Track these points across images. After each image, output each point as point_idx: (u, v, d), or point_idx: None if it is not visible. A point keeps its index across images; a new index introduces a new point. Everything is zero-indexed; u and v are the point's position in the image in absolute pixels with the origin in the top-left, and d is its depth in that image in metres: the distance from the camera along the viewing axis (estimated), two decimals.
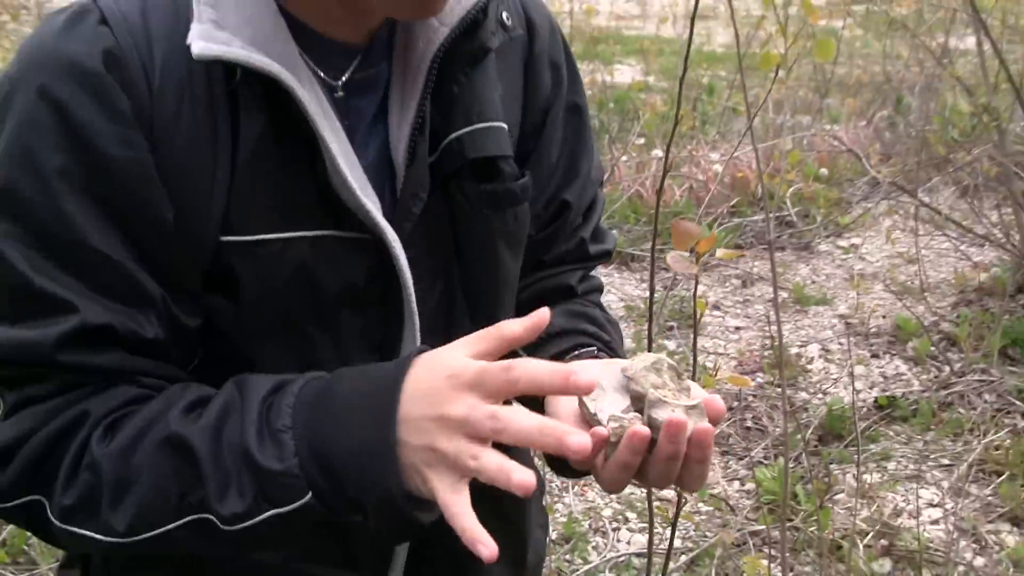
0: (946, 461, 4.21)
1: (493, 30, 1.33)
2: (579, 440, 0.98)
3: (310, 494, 1.07)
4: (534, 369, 1.02)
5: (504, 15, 1.37)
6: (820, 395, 4.76)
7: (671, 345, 5.22)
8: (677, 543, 3.66)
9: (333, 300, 1.25)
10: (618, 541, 3.81)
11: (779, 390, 4.68)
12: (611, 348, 1.45)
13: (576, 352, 1.41)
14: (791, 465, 3.97)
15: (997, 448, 4.18)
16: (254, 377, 1.17)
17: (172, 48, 1.16)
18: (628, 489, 2.93)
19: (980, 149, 6.03)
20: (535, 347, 1.41)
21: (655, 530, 2.84)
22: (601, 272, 1.68)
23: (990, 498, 3.96)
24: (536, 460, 1.27)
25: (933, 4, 6.61)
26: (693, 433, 1.09)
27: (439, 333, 1.32)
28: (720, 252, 1.81)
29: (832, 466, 4.11)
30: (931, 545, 3.59)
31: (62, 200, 1.12)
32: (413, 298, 1.29)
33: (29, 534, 1.21)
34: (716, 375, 2.33)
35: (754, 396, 4.72)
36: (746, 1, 9.71)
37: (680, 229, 1.68)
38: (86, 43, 1.14)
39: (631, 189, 6.99)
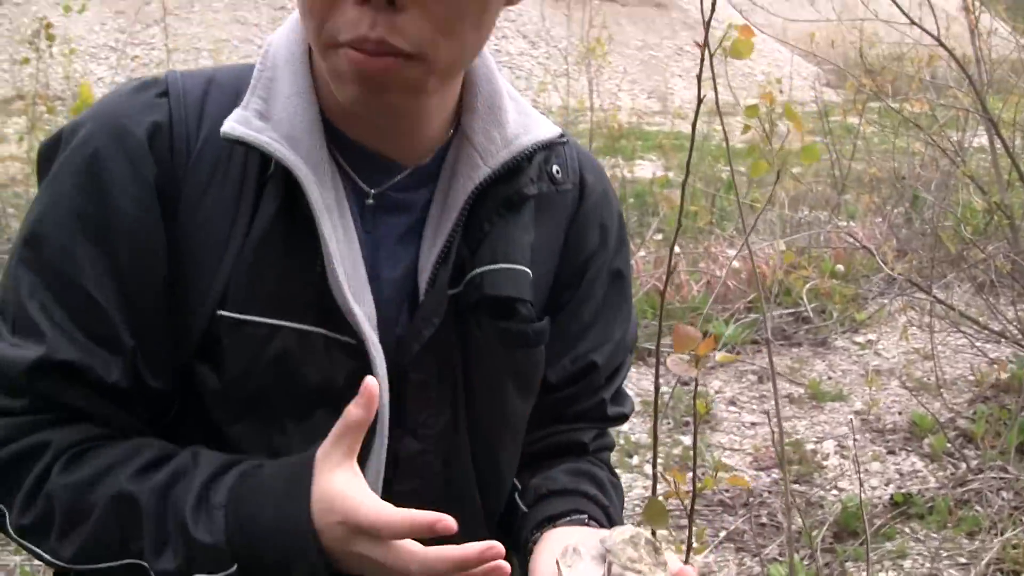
0: (963, 560, 4.17)
1: (534, 178, 1.40)
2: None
3: (235, 566, 1.15)
4: (393, 526, 1.12)
5: (555, 168, 1.44)
6: (835, 491, 4.74)
7: (687, 440, 5.22)
8: None
9: (311, 395, 1.30)
10: None
11: (795, 486, 4.68)
12: (607, 514, 1.47)
13: (568, 519, 1.42)
14: (806, 563, 3.96)
15: (1015, 547, 4.14)
16: (208, 452, 1.25)
17: (219, 128, 1.24)
18: None
19: (994, 246, 6.07)
20: (535, 504, 1.46)
21: None
22: None
23: None
24: None
25: (944, 104, 6.68)
26: None
27: (439, 457, 1.39)
28: (719, 356, 1.85)
29: (847, 564, 4.09)
30: None
31: (72, 239, 1.23)
32: (387, 411, 1.32)
33: None
34: (716, 475, 2.35)
35: (769, 492, 4.71)
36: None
37: (680, 333, 1.71)
38: (139, 110, 1.27)
39: (648, 284, 7.02)
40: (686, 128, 14.28)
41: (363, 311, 1.28)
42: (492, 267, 1.36)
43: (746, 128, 3.28)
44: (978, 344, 6.19)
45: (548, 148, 1.40)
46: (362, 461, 1.31)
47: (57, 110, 8.82)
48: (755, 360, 6.31)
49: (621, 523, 1.44)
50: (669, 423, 5.33)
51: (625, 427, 5.03)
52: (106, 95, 1.32)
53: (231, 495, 1.17)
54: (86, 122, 1.27)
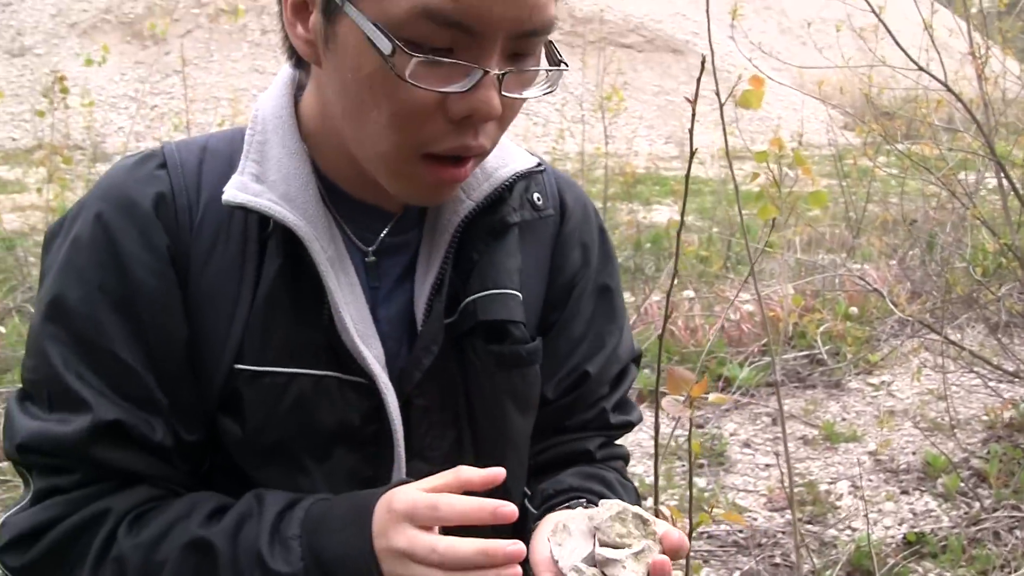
0: None
1: (516, 207, 1.47)
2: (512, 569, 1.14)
3: None
4: (459, 505, 1.17)
5: (536, 196, 1.53)
6: (849, 531, 4.77)
7: (701, 482, 5.25)
8: None
9: (329, 435, 1.37)
10: None
11: (808, 527, 4.71)
12: None
13: (566, 504, 1.47)
14: None
15: None
16: (272, 492, 1.31)
17: (217, 194, 1.32)
18: None
19: (1007, 287, 6.10)
20: (543, 504, 1.52)
21: None
22: None
23: None
24: None
25: (954, 148, 6.74)
26: (651, 568, 1.19)
27: None
28: (712, 397, 1.91)
29: None
30: None
31: (98, 311, 1.29)
32: (401, 442, 1.40)
33: None
34: (712, 511, 2.40)
35: (783, 532, 4.74)
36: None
37: (674, 375, 1.78)
38: (143, 184, 1.34)
39: (660, 327, 7.07)
40: (704, 173, 14.36)
41: (371, 352, 1.36)
42: (483, 293, 1.44)
43: (754, 176, 3.35)
44: (991, 384, 6.22)
45: (527, 177, 1.48)
46: (382, 486, 1.40)
47: (76, 159, 8.95)
48: (769, 402, 6.34)
49: None
50: (683, 465, 5.36)
51: (639, 469, 5.07)
52: (106, 173, 1.39)
53: (303, 527, 1.24)
54: (93, 201, 1.34)
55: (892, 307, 5.47)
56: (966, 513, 4.83)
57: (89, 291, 1.30)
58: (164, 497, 1.33)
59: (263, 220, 1.33)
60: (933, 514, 4.89)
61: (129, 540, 1.27)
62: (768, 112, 21.29)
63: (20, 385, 1.38)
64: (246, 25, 22.16)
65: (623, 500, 1.52)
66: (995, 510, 4.72)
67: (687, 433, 5.26)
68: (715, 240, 9.60)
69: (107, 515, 1.29)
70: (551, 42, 1.28)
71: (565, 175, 1.65)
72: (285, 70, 1.42)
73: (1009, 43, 6.59)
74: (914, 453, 5.57)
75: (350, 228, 1.40)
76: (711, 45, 2.48)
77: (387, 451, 1.40)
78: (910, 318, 5.94)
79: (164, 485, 1.34)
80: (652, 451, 1.62)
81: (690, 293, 7.65)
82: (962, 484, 4.98)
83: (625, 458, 1.71)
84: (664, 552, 1.21)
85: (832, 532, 4.77)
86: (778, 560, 4.54)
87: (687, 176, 1.80)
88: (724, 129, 2.44)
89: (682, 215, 1.74)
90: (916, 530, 4.66)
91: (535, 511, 1.51)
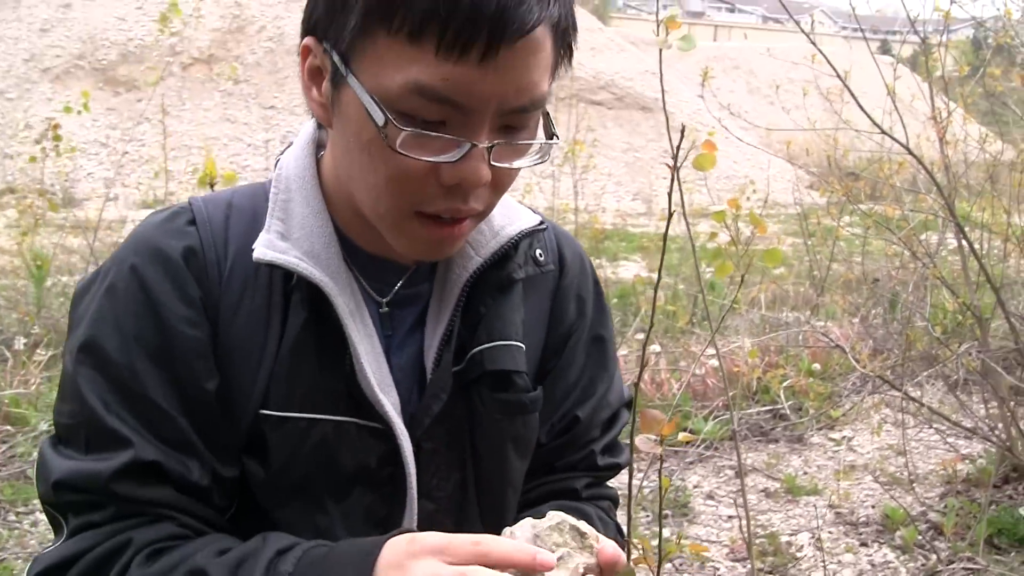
0: None
1: (521, 263, 1.58)
2: None
3: None
4: (504, 546, 1.20)
5: (538, 252, 1.63)
6: None
7: (665, 533, 5.33)
8: None
9: (348, 477, 1.46)
10: None
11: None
12: None
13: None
14: None
15: None
16: (276, 533, 1.37)
17: (244, 249, 1.42)
18: None
19: (966, 346, 6.23)
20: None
21: None
22: None
23: None
24: None
25: (915, 209, 6.89)
26: None
27: (450, 515, 1.56)
28: (681, 436, 2.01)
29: None
30: None
31: (135, 358, 1.37)
32: (415, 485, 1.49)
33: None
34: (679, 541, 2.49)
35: None
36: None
37: (646, 416, 1.88)
38: (174, 238, 1.42)
39: (629, 380, 7.15)
40: (671, 230, 14.50)
41: (388, 399, 1.45)
42: (490, 345, 1.53)
43: (713, 235, 3.47)
44: (949, 440, 6.33)
45: (531, 235, 1.58)
46: (395, 525, 1.49)
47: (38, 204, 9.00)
48: (732, 455, 6.43)
49: None
50: (648, 515, 5.44)
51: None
52: (137, 227, 1.47)
53: (297, 566, 1.29)
54: (126, 254, 1.42)
55: (854, 363, 5.58)
56: (923, 565, 4.92)
57: (126, 340, 1.37)
58: (186, 536, 1.39)
59: (287, 274, 1.41)
60: (891, 566, 4.98)
61: (140, 571, 1.32)
62: (736, 171, 21.55)
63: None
64: (219, 74, 22.28)
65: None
66: (951, 562, 4.81)
67: (652, 485, 5.37)
68: (680, 295, 9.72)
69: (128, 546, 1.34)
70: (547, 113, 1.37)
71: (564, 230, 1.75)
72: (307, 128, 1.52)
73: (970, 107, 6.75)
74: (873, 506, 5.67)
75: (365, 280, 1.49)
76: (665, 100, 2.60)
77: (401, 492, 1.49)
78: (871, 374, 6.05)
79: (192, 525, 1.40)
80: (625, 495, 1.71)
81: (656, 348, 7.75)
82: (920, 537, 5.07)
83: (613, 499, 1.79)
84: (600, 565, 1.27)
85: None
86: None
87: (665, 236, 1.91)
88: (679, 187, 2.56)
89: (659, 272, 1.84)
90: None
91: None
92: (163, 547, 1.35)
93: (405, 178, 1.30)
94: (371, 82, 1.27)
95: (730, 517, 5.61)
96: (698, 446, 6.34)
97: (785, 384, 7.02)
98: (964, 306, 5.74)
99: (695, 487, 5.94)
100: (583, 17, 24.94)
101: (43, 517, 4.88)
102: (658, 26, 2.73)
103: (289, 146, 1.55)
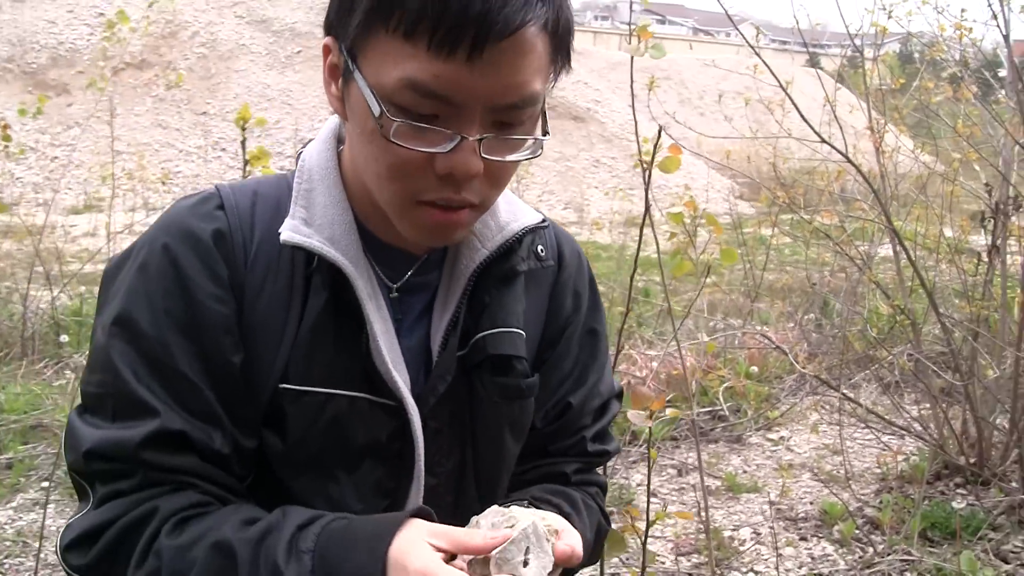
0: None
1: (524, 257, 1.69)
2: None
3: None
4: None
5: (540, 248, 1.74)
6: (752, 574, 5.02)
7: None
8: None
9: (360, 450, 1.56)
10: None
11: (715, 570, 4.95)
12: (571, 522, 1.64)
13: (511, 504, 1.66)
14: None
15: None
16: (296, 508, 1.45)
17: (268, 234, 1.53)
18: None
19: (899, 348, 6.44)
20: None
21: None
22: None
23: None
24: None
25: (852, 216, 7.09)
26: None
27: (450, 491, 1.66)
28: (669, 412, 2.16)
29: None
30: None
31: (166, 332, 1.46)
32: (422, 459, 1.60)
33: None
34: (665, 509, 2.65)
35: (690, 575, 4.98)
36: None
37: (636, 393, 2.03)
38: (204, 220, 1.51)
39: None
40: (602, 238, 14.67)
41: (401, 378, 1.56)
42: (492, 331, 1.64)
43: (672, 235, 3.62)
44: (884, 439, 6.57)
45: (534, 232, 1.69)
46: (403, 497, 1.60)
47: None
48: (674, 455, 6.60)
49: (586, 538, 1.64)
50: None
51: None
52: (169, 210, 1.56)
53: (317, 542, 1.37)
54: (158, 234, 1.51)
55: (795, 364, 5.76)
56: (861, 557, 5.10)
57: (157, 314, 1.46)
58: (210, 504, 1.47)
59: (308, 258, 1.52)
60: (830, 558, 5.16)
61: (169, 540, 1.40)
62: (666, 181, 21.77)
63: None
64: (150, 80, 22.18)
65: (582, 519, 1.72)
66: (888, 554, 5.00)
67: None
68: (617, 301, 9.87)
69: (155, 514, 1.42)
70: (544, 112, 1.48)
71: (564, 230, 1.86)
72: (330, 123, 1.63)
73: (903, 120, 6.98)
74: (811, 503, 5.86)
75: (379, 267, 1.60)
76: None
77: (409, 466, 1.59)
78: (811, 374, 6.24)
79: (214, 492, 1.49)
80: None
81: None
82: (857, 531, 5.27)
83: (601, 486, 1.89)
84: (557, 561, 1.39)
85: (736, 575, 5.02)
86: None
87: (639, 243, 2.05)
88: (646, 196, 2.68)
89: (632, 277, 1.98)
90: (816, 572, 4.93)
91: None
92: (189, 515, 1.43)
93: (402, 167, 1.40)
94: (372, 77, 1.38)
95: (674, 514, 5.77)
96: (640, 445, 6.49)
97: (724, 386, 7.20)
98: (899, 309, 5.95)
99: (638, 485, 6.08)
100: None
101: None
102: (630, 36, 2.89)
103: (311, 140, 1.66)
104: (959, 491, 5.81)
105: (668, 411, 2.18)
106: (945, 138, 7.17)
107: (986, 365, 5.99)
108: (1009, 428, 5.77)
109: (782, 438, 7.08)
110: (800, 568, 5.06)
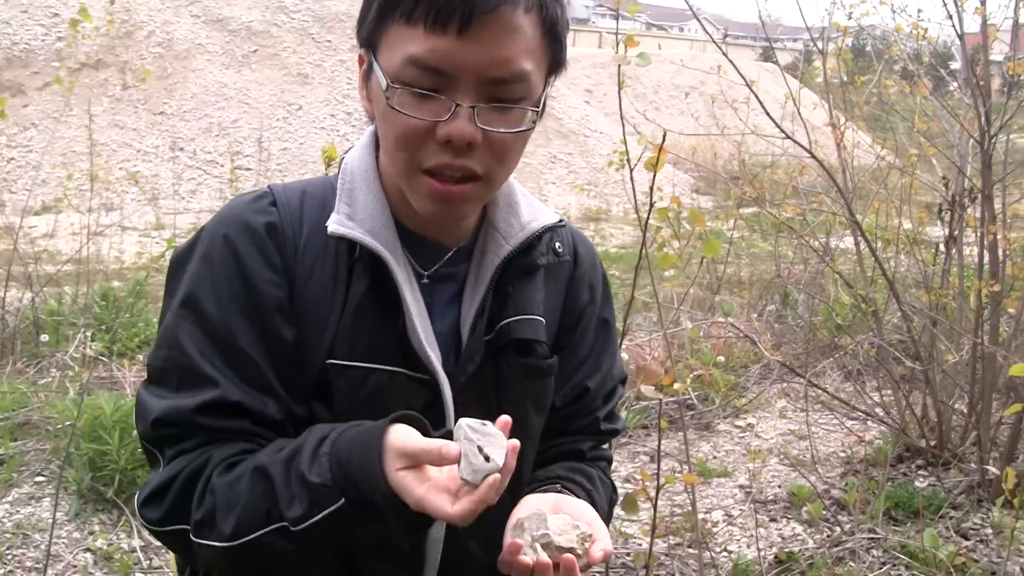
0: None
1: (543, 252, 1.88)
2: None
3: (343, 499, 1.50)
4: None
5: (557, 245, 1.94)
6: (725, 553, 5.22)
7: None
8: None
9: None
10: None
11: (689, 550, 5.15)
12: (591, 497, 1.86)
13: (544, 486, 1.85)
14: None
15: None
16: (320, 426, 1.63)
17: (315, 227, 1.74)
18: None
19: (862, 336, 6.65)
20: (534, 483, 1.89)
21: None
22: None
23: None
24: None
25: (815, 209, 7.28)
26: (562, 561, 1.56)
27: None
28: (677, 385, 2.33)
29: None
30: None
31: (229, 313, 1.66)
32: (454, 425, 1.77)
33: None
34: (676, 474, 2.83)
35: (666, 555, 5.16)
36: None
37: (647, 369, 2.22)
38: (259, 215, 1.72)
39: None
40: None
41: (433, 354, 1.74)
42: (515, 318, 1.83)
43: (657, 229, 3.80)
44: (848, 424, 6.81)
45: (552, 230, 1.89)
46: None
47: None
48: (646, 442, 6.80)
49: (603, 509, 1.87)
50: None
51: None
52: (226, 205, 1.76)
53: (333, 446, 1.54)
54: (219, 226, 1.70)
55: (764, 352, 5.96)
56: (828, 536, 5.32)
57: (220, 298, 1.65)
58: (256, 450, 1.65)
59: (351, 248, 1.71)
60: (799, 538, 5.37)
61: (220, 479, 1.59)
62: (623, 175, 21.91)
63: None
64: (107, 80, 22.12)
65: (599, 492, 1.93)
66: (854, 533, 5.21)
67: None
68: None
69: (209, 462, 1.62)
70: (543, 100, 1.69)
71: (578, 230, 2.06)
72: (370, 130, 1.82)
73: (857, 116, 7.17)
74: (780, 486, 6.07)
75: (412, 257, 1.78)
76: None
77: (442, 435, 1.71)
78: (778, 360, 6.44)
79: (261, 443, 1.67)
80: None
81: None
82: (825, 512, 5.48)
83: (608, 459, 2.09)
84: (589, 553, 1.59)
85: (710, 555, 5.21)
86: None
87: (642, 243, 2.23)
88: (636, 201, 2.82)
89: (635, 275, 2.16)
90: (786, 550, 5.14)
91: (527, 488, 1.88)
92: (236, 460, 1.62)
93: (407, 136, 1.60)
94: (385, 62, 1.61)
95: (647, 499, 5.94)
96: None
97: (693, 375, 7.40)
98: (861, 298, 6.15)
99: (613, 472, 6.25)
100: None
101: None
102: (617, 43, 3.06)
103: (351, 147, 1.85)
104: (921, 472, 6.06)
105: (676, 385, 2.36)
106: (901, 132, 7.38)
107: (945, 351, 6.21)
108: (968, 411, 6.00)
109: (750, 425, 7.31)
110: (771, 548, 5.25)
